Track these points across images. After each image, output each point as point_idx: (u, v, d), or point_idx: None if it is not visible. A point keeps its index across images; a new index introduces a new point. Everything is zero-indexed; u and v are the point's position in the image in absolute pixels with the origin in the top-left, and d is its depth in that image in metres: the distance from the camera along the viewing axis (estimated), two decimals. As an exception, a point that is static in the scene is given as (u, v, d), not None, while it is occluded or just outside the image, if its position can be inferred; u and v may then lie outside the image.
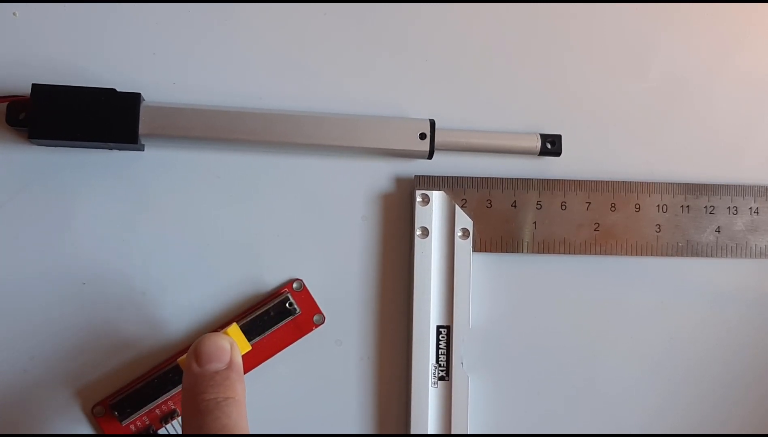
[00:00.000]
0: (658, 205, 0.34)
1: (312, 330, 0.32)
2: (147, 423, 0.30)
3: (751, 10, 0.36)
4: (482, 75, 0.34)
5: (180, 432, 0.31)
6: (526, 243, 0.33)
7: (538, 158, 0.34)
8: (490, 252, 0.33)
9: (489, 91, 0.34)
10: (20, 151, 0.31)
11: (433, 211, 0.33)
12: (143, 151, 0.32)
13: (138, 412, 0.30)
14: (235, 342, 0.27)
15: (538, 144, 0.33)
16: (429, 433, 0.32)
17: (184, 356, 0.27)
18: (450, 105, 0.34)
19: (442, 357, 0.32)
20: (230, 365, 0.26)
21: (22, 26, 0.32)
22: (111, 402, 0.30)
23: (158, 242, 0.32)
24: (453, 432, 0.32)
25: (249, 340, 0.30)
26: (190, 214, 0.32)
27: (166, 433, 0.30)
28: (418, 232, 0.33)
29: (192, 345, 0.26)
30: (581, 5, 0.35)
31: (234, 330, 0.28)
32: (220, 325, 0.32)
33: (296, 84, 0.33)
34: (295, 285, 0.32)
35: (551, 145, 0.34)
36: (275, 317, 0.31)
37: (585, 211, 0.34)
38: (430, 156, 0.33)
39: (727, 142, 0.36)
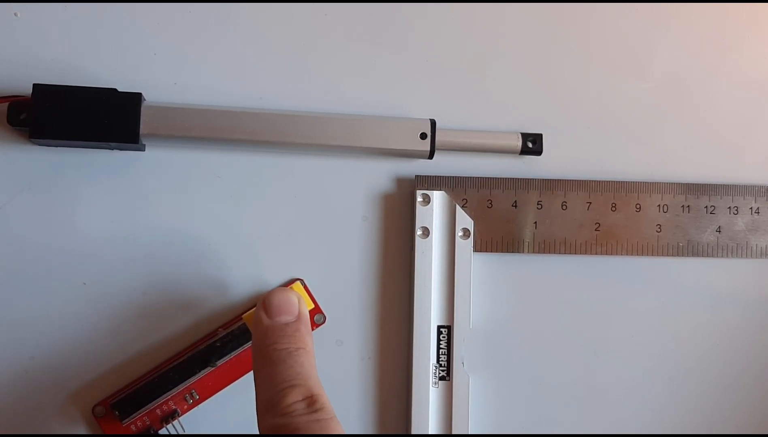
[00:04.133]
0: (659, 205, 0.34)
1: (313, 330, 0.32)
2: (147, 423, 0.30)
3: (751, 10, 0.36)
4: (483, 75, 0.34)
5: (181, 432, 0.31)
6: (526, 243, 0.33)
7: (538, 158, 0.34)
8: (491, 252, 0.33)
9: (489, 91, 0.34)
10: (21, 151, 0.31)
11: (433, 210, 0.33)
12: (144, 150, 0.32)
13: (139, 412, 0.30)
14: (301, 296, 0.28)
15: (519, 142, 0.33)
16: (430, 433, 0.32)
17: (251, 311, 0.27)
18: (450, 105, 0.34)
19: (443, 357, 0.32)
20: (299, 317, 0.27)
21: (23, 26, 0.32)
22: (112, 401, 0.30)
23: (158, 242, 0.32)
24: (454, 432, 0.32)
25: (249, 340, 0.30)
26: (191, 214, 0.32)
27: (167, 433, 0.30)
28: (418, 232, 0.33)
29: (261, 298, 0.27)
30: (581, 5, 0.35)
31: (298, 286, 0.29)
32: (221, 325, 0.32)
33: (296, 84, 0.33)
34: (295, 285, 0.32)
35: (532, 144, 0.34)
36: (276, 317, 0.31)
37: (586, 211, 0.34)
38: (431, 156, 0.33)
39: (727, 142, 0.36)
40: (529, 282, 0.34)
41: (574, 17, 0.35)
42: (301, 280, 0.32)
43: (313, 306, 0.30)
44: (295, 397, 0.24)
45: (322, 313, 0.32)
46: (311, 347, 0.26)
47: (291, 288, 0.29)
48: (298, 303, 0.27)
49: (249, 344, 0.30)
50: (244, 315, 0.28)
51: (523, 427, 0.33)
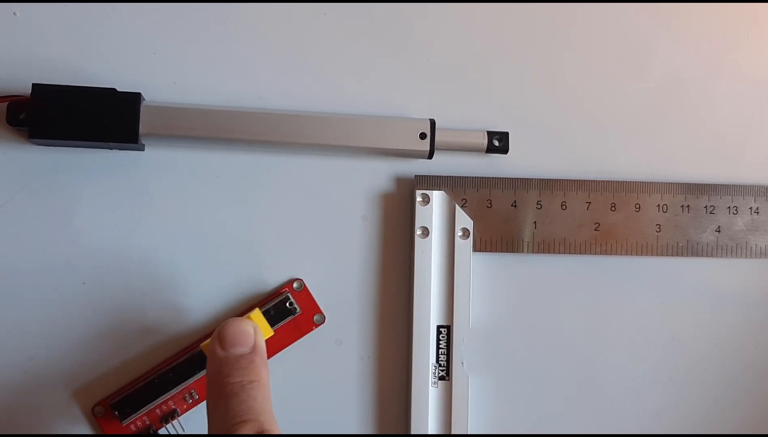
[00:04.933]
0: (658, 205, 0.34)
1: (312, 329, 0.32)
2: (147, 422, 0.30)
3: (751, 10, 0.36)
4: (483, 75, 0.34)
5: (181, 432, 0.31)
6: (526, 243, 0.33)
7: (537, 158, 0.34)
8: (491, 252, 0.33)
9: (489, 90, 0.34)
10: (20, 151, 0.31)
11: (433, 210, 0.33)
12: (143, 150, 0.32)
13: (138, 412, 0.30)
14: (258, 326, 0.27)
15: (485, 141, 0.33)
16: (429, 433, 0.32)
17: (208, 341, 0.27)
18: (450, 105, 0.34)
19: (443, 357, 0.32)
20: (254, 349, 0.26)
21: (22, 26, 0.32)
22: (111, 401, 0.30)
23: (158, 242, 0.32)
24: (453, 432, 0.32)
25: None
26: (190, 214, 0.32)
27: (167, 433, 0.30)
28: (418, 232, 0.33)
29: (215, 329, 0.27)
30: (581, 5, 0.35)
31: (257, 315, 0.29)
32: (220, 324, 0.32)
33: (296, 84, 0.33)
34: (295, 284, 0.32)
35: (498, 142, 0.33)
36: (275, 316, 0.31)
37: (585, 211, 0.34)
38: (431, 156, 0.33)
39: (727, 142, 0.36)
40: (529, 282, 0.34)
41: (574, 17, 0.35)
42: (301, 280, 0.32)
43: (272, 333, 0.29)
44: (245, 433, 0.23)
45: (322, 313, 0.32)
46: (266, 379, 0.26)
47: (248, 317, 0.28)
48: (254, 333, 0.26)
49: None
50: (202, 344, 0.28)
51: (523, 427, 0.34)
